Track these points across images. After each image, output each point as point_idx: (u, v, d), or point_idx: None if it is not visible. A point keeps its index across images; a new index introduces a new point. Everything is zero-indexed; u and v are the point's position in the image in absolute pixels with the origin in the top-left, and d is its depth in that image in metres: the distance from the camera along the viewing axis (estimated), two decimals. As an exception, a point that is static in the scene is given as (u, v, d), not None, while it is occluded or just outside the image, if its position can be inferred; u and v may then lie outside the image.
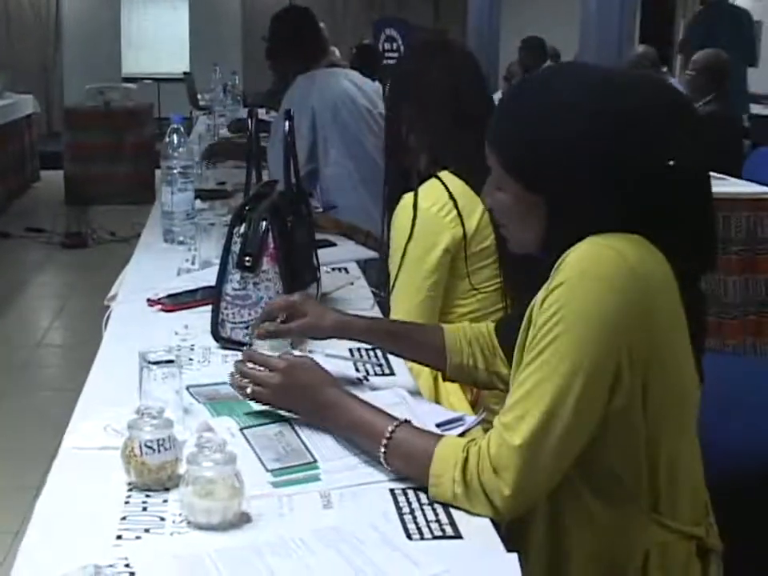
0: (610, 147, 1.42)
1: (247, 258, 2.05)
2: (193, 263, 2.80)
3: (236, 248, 2.07)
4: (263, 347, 1.76)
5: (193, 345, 2.13)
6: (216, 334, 2.12)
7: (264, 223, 2.07)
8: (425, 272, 2.24)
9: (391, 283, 2.31)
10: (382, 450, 1.49)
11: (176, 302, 2.39)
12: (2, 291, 6.21)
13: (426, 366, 1.96)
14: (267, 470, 1.52)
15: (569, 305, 1.38)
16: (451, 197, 2.23)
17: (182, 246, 2.98)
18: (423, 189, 2.27)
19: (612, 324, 1.38)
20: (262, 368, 1.66)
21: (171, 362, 1.68)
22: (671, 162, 1.43)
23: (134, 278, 2.71)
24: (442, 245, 2.22)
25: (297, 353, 1.77)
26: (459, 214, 2.23)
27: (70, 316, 5.89)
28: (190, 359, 2.04)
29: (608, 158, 1.42)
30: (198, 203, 3.20)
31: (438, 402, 2.12)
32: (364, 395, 1.77)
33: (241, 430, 1.62)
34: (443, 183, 2.26)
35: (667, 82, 1.58)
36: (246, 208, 2.09)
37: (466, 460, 1.42)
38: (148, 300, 2.41)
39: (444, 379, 1.97)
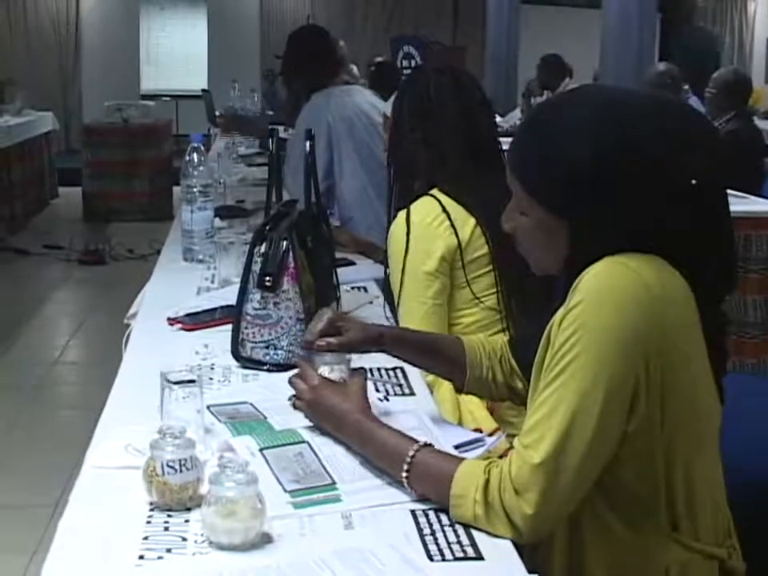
0: (632, 169, 1.43)
1: (267, 278, 2.07)
2: (212, 282, 2.82)
3: (256, 267, 2.08)
4: (323, 361, 1.79)
5: (213, 364, 2.14)
6: (236, 354, 2.13)
7: (284, 243, 2.09)
8: (425, 282, 2.28)
9: (396, 301, 2.34)
10: (404, 472, 1.50)
11: (196, 320, 2.41)
12: (20, 308, 6.25)
13: (445, 378, 1.98)
14: (285, 491, 1.53)
15: (586, 324, 1.40)
16: (444, 210, 2.29)
17: (201, 265, 3.00)
18: (415, 205, 2.33)
19: (629, 342, 1.39)
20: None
21: (193, 381, 1.69)
22: (693, 182, 1.44)
23: (153, 297, 2.73)
24: (438, 252, 2.27)
25: (350, 364, 1.82)
26: (452, 225, 2.28)
27: (87, 333, 5.92)
28: (210, 378, 2.05)
29: (631, 180, 1.43)
30: (218, 222, 3.22)
31: (459, 412, 2.14)
32: (383, 418, 1.79)
33: (260, 450, 1.63)
34: (435, 198, 2.31)
35: (685, 102, 1.60)
36: (267, 228, 2.11)
37: (487, 481, 1.43)
38: (168, 319, 2.42)
39: (458, 392, 1.99)
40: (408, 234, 2.28)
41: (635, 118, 1.45)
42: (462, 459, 1.50)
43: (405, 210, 2.31)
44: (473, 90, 2.42)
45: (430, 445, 1.54)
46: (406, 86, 2.47)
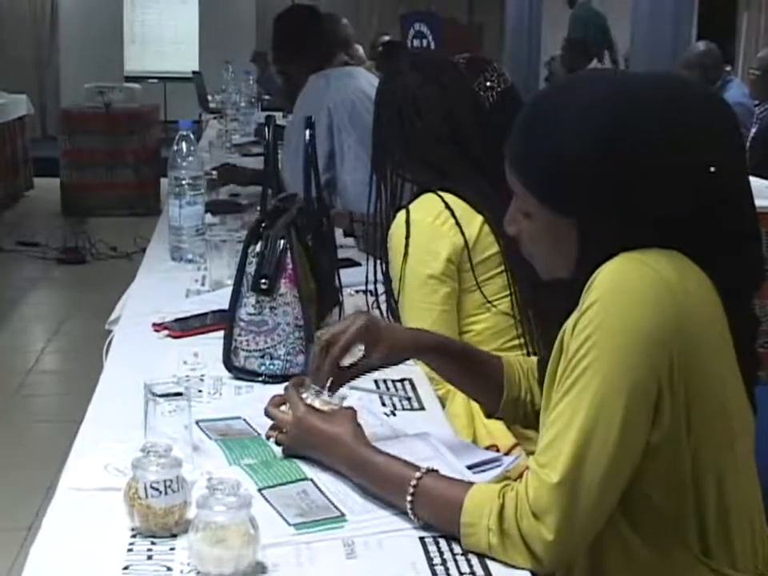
0: (642, 162, 1.44)
1: (263, 281, 2.07)
2: (203, 284, 2.83)
3: (251, 269, 2.09)
4: (312, 394, 1.73)
5: (203, 375, 2.15)
6: (228, 363, 2.14)
7: (282, 242, 2.09)
8: (431, 286, 2.27)
9: (400, 308, 2.33)
10: (409, 500, 1.51)
11: (184, 327, 2.41)
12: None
13: (478, 400, 1.95)
14: (289, 525, 1.53)
15: (602, 327, 1.41)
16: (447, 207, 2.28)
17: (190, 265, 3.01)
18: (416, 203, 2.33)
19: (650, 344, 1.40)
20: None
21: (180, 394, 1.69)
22: (712, 169, 1.44)
23: (138, 300, 2.74)
24: (444, 254, 2.26)
25: (343, 402, 1.76)
26: (457, 223, 2.27)
27: (66, 339, 5.93)
28: (200, 391, 2.06)
29: (640, 173, 1.44)
30: (209, 217, 3.24)
31: (473, 428, 2.14)
32: (389, 441, 1.79)
33: (259, 490, 1.61)
34: (437, 194, 2.30)
35: (700, 84, 1.59)
36: (263, 225, 2.11)
37: (502, 507, 1.43)
38: (153, 324, 2.43)
39: (488, 417, 1.95)
40: (408, 234, 2.27)
41: (646, 107, 1.45)
42: (471, 484, 1.50)
43: (404, 209, 2.31)
44: (458, 92, 2.38)
45: (435, 470, 1.54)
46: (383, 90, 2.46)
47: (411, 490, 1.51)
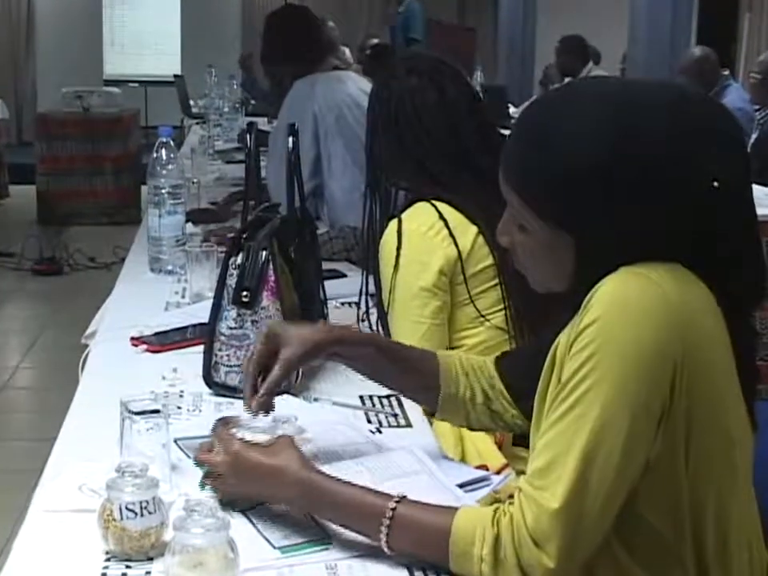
0: (643, 174, 1.44)
1: (244, 293, 2.08)
2: (183, 296, 2.83)
3: (232, 281, 2.09)
4: (244, 430, 1.70)
5: (182, 391, 2.15)
6: (208, 379, 2.14)
7: (264, 253, 2.10)
8: (422, 299, 2.27)
9: (389, 320, 2.34)
10: (384, 531, 1.48)
11: (163, 341, 2.42)
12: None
13: (413, 398, 1.94)
14: (275, 548, 1.53)
15: (604, 347, 1.40)
16: (441, 217, 2.28)
17: (170, 277, 3.01)
18: (408, 212, 2.32)
19: (654, 363, 1.40)
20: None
21: (157, 411, 1.69)
22: (715, 184, 1.45)
23: (115, 313, 2.74)
24: (436, 266, 2.26)
25: (279, 432, 1.74)
26: (451, 234, 2.27)
27: (41, 354, 5.91)
28: (179, 407, 2.06)
29: (642, 187, 1.44)
30: (190, 227, 3.23)
31: (462, 446, 2.14)
32: (371, 456, 1.80)
33: (242, 511, 1.61)
34: (431, 204, 2.30)
35: (700, 93, 1.59)
36: (244, 236, 2.12)
37: (497, 537, 1.42)
38: (131, 339, 2.43)
39: (431, 416, 1.94)
40: (399, 245, 2.27)
41: (647, 116, 1.45)
42: (453, 509, 1.48)
43: (396, 219, 2.31)
44: (457, 95, 2.39)
45: (405, 497, 1.51)
46: (377, 94, 2.44)
47: (386, 521, 1.48)
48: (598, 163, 1.43)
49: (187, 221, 3.19)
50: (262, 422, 1.70)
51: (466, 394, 1.86)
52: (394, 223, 2.30)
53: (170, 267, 3.04)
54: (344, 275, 3.01)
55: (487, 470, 1.94)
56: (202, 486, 1.63)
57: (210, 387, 2.14)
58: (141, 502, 1.48)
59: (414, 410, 2.05)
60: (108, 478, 1.50)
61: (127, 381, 2.17)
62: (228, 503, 1.60)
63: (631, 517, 1.47)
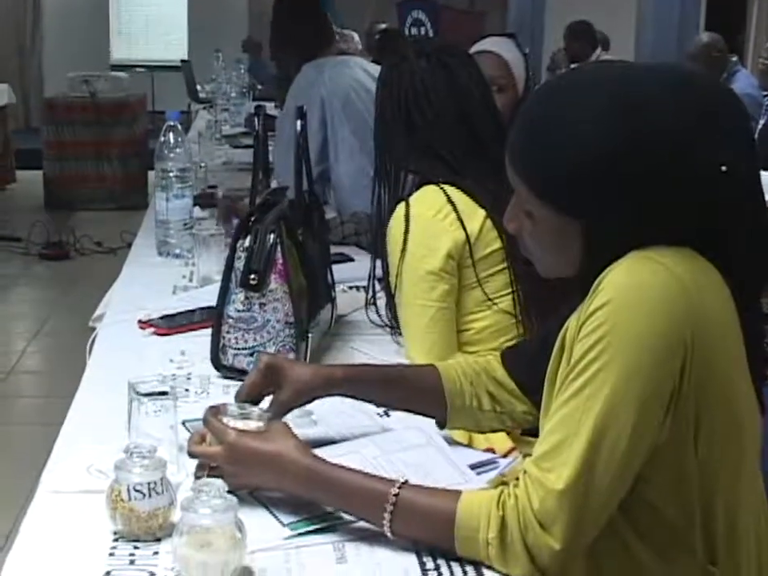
0: (651, 159, 1.43)
1: (252, 276, 2.08)
2: (190, 280, 2.84)
3: (240, 264, 2.10)
4: (235, 418, 1.66)
5: (190, 373, 2.16)
6: (216, 362, 2.15)
7: (272, 236, 2.10)
8: (429, 282, 2.26)
9: (396, 304, 2.33)
10: (387, 516, 1.48)
11: (171, 324, 2.42)
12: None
13: (424, 415, 1.91)
14: (284, 525, 1.54)
15: (614, 330, 1.40)
16: (449, 200, 2.27)
17: (178, 260, 3.03)
18: (416, 196, 2.31)
19: (664, 346, 1.40)
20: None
21: (165, 393, 1.70)
22: (723, 168, 1.44)
23: (123, 296, 2.74)
24: (444, 249, 2.25)
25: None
26: (459, 217, 2.26)
27: (48, 338, 5.92)
28: (187, 390, 2.07)
29: (649, 172, 1.44)
30: (197, 211, 3.24)
31: (468, 438, 2.13)
32: (381, 436, 1.81)
33: (250, 492, 1.61)
34: (438, 187, 2.30)
35: (708, 76, 1.58)
36: (252, 219, 2.12)
37: (503, 519, 1.42)
38: (139, 322, 2.44)
39: (441, 428, 1.90)
40: (407, 229, 2.27)
41: (652, 100, 1.44)
42: (456, 492, 1.48)
43: (404, 202, 2.30)
44: (467, 78, 2.37)
45: (407, 481, 1.51)
46: (386, 78, 2.42)
47: (389, 507, 1.47)
48: (603, 149, 1.43)
49: (195, 204, 3.19)
50: (254, 409, 1.68)
51: (473, 402, 1.85)
52: (401, 207, 2.29)
53: (177, 251, 3.05)
54: (352, 259, 3.01)
55: (494, 452, 1.95)
56: (197, 478, 1.59)
57: (217, 370, 2.15)
58: (149, 483, 1.48)
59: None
60: (116, 459, 1.51)
61: (135, 364, 2.18)
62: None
63: (640, 502, 1.47)
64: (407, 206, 2.29)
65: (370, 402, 1.87)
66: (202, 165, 4.06)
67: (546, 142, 1.47)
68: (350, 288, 2.75)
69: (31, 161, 9.55)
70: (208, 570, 1.38)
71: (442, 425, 1.88)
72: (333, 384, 1.79)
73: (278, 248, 2.10)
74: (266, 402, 1.77)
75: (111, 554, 1.46)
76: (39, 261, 7.35)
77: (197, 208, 3.25)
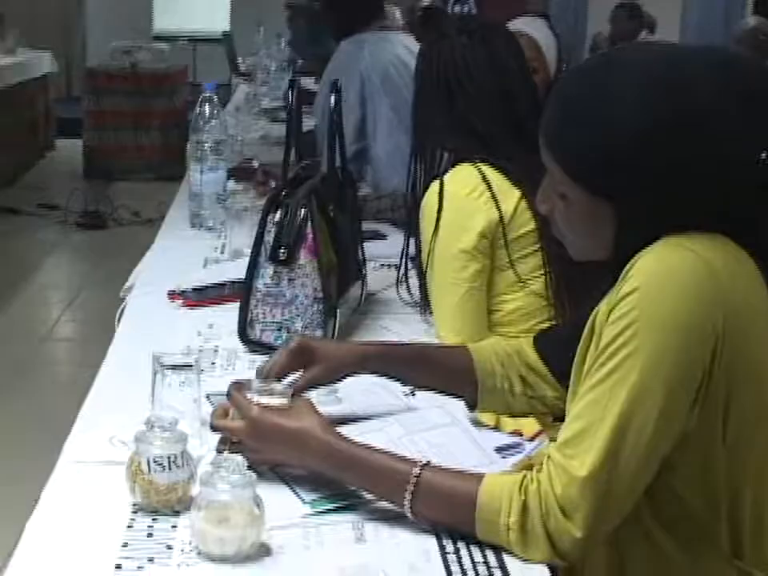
0: (689, 143, 1.41)
1: (282, 250, 2.08)
2: (222, 253, 2.84)
3: (269, 238, 2.09)
4: (259, 393, 1.64)
5: (217, 347, 2.16)
6: (243, 335, 2.14)
7: (303, 211, 2.09)
8: (461, 261, 2.24)
9: (428, 282, 2.32)
10: (408, 497, 1.46)
11: (201, 296, 2.42)
12: (8, 276, 6.25)
13: (454, 395, 1.91)
14: (304, 502, 1.53)
15: (643, 315, 1.38)
16: (484, 179, 2.25)
17: (210, 233, 3.02)
18: (451, 174, 2.29)
19: (694, 332, 1.38)
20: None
21: (189, 366, 1.69)
22: (763, 155, 1.41)
23: (154, 268, 2.75)
24: (477, 228, 2.23)
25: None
26: (494, 197, 2.24)
27: (83, 307, 5.94)
28: (213, 363, 2.06)
29: (685, 156, 1.42)
30: (231, 184, 3.23)
31: (496, 420, 2.12)
32: (406, 415, 1.80)
33: (271, 468, 1.61)
34: (474, 166, 2.27)
35: (753, 59, 1.55)
36: (283, 193, 2.11)
37: (524, 505, 1.41)
38: (169, 293, 2.43)
39: (471, 410, 1.90)
40: (441, 207, 2.25)
41: (694, 81, 1.42)
42: (481, 476, 1.47)
43: (438, 180, 2.28)
44: (508, 56, 2.35)
45: (429, 463, 1.50)
46: (427, 53, 2.40)
47: (410, 487, 1.46)
48: (641, 130, 1.41)
49: (229, 177, 3.19)
50: (279, 386, 1.67)
51: (504, 385, 1.84)
52: (435, 185, 2.27)
53: (210, 223, 3.04)
54: (384, 236, 2.99)
55: (522, 435, 1.93)
56: (219, 452, 1.58)
57: (245, 344, 2.14)
58: (169, 456, 1.48)
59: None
60: (137, 431, 1.50)
61: (162, 335, 2.18)
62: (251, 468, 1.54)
63: (665, 492, 1.46)
64: (442, 183, 2.27)
65: (400, 380, 1.87)
66: (239, 138, 4.05)
67: (581, 122, 1.46)
68: (382, 266, 2.73)
69: (71, 129, 9.57)
70: (225, 546, 1.37)
71: (471, 406, 1.87)
72: (364, 361, 1.80)
73: (309, 223, 2.09)
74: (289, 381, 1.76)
75: (129, 526, 1.46)
76: (76, 230, 7.35)
77: (231, 181, 3.23)
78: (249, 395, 1.63)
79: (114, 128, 8.97)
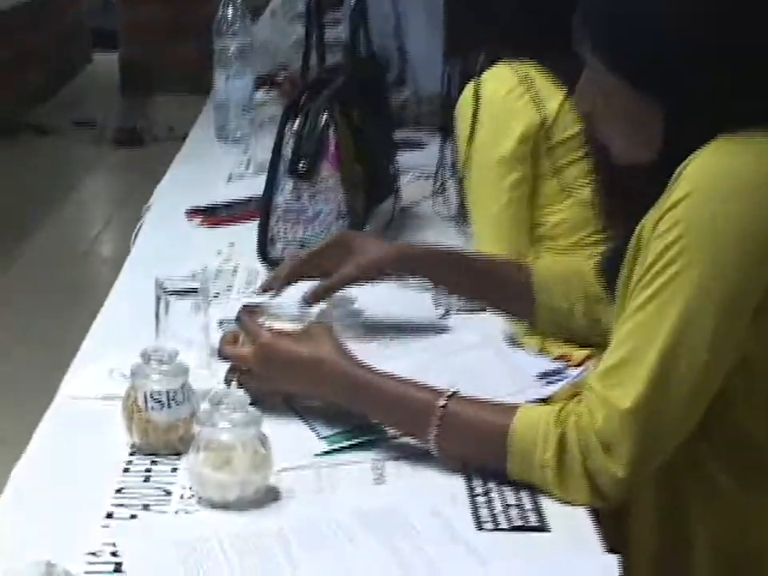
0: (738, 31, 1.34)
1: (301, 163, 2.00)
2: (247, 168, 2.77)
3: (288, 149, 2.01)
4: (271, 318, 1.58)
5: (236, 266, 2.10)
6: (264, 254, 2.08)
7: (324, 117, 2.01)
8: (500, 169, 2.14)
9: (466, 194, 2.23)
10: (433, 431, 1.38)
11: (221, 214, 2.37)
12: (43, 195, 6.23)
13: (505, 311, 1.83)
14: (320, 437, 1.46)
15: (695, 226, 1.30)
16: (524, 79, 2.15)
17: (236, 147, 2.94)
18: (488, 74, 2.19)
19: (753, 247, 1.30)
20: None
21: (195, 290, 1.60)
22: None
23: (175, 183, 2.70)
24: (517, 132, 2.13)
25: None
26: (535, 97, 2.14)
27: (120, 226, 5.89)
28: (229, 287, 2.00)
29: (741, 41, 1.34)
30: (260, 94, 3.16)
31: (541, 343, 2.02)
32: (436, 337, 1.74)
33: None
34: (512, 65, 2.17)
35: None
36: (303, 97, 2.03)
37: (561, 440, 1.32)
38: (187, 212, 2.38)
39: (528, 325, 1.83)
40: (477, 110, 2.14)
41: None
42: (514, 408, 1.38)
43: (474, 82, 2.17)
44: None
45: (456, 392, 1.41)
46: None
47: (436, 420, 1.38)
48: (689, 22, 1.34)
49: (258, 87, 3.12)
50: (292, 309, 1.60)
51: (563, 304, 1.75)
52: (471, 86, 2.17)
53: (237, 136, 2.95)
54: (422, 144, 2.87)
55: (568, 361, 1.83)
56: (227, 382, 1.51)
57: (265, 263, 2.07)
58: (168, 392, 1.40)
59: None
60: (133, 364, 1.42)
61: (179, 256, 2.12)
62: (256, 399, 1.42)
63: (728, 427, 1.39)
64: (477, 85, 2.16)
65: (444, 286, 1.80)
66: (271, 44, 3.95)
67: (624, 15, 1.39)
68: (419, 177, 2.62)
69: (108, 41, 9.46)
70: (226, 491, 1.29)
71: (527, 326, 1.81)
72: (406, 260, 1.74)
73: (331, 131, 2.01)
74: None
75: (126, 470, 1.38)
76: (113, 147, 7.32)
77: (259, 91, 3.15)
78: (261, 320, 1.55)
79: (151, 39, 8.88)
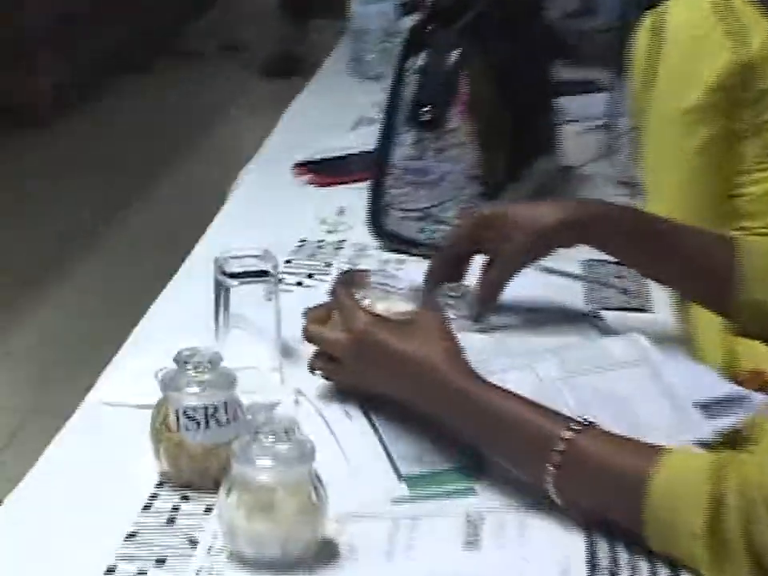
0: None
1: (425, 110, 1.91)
2: (380, 111, 2.64)
3: (408, 93, 1.95)
4: (377, 295, 1.53)
5: (342, 241, 2.02)
6: (376, 225, 2.01)
7: (455, 53, 1.92)
8: (687, 125, 2.02)
9: (640, 155, 2.12)
10: (551, 466, 1.25)
11: (335, 170, 2.32)
12: (187, 129, 6.40)
13: (700, 301, 1.71)
14: (400, 477, 1.35)
15: None
16: (719, 7, 2.01)
17: (372, 84, 2.88)
18: (671, 2, 2.06)
19: None
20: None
21: (265, 273, 1.51)
22: None
23: (287, 129, 2.70)
24: (709, 78, 2.00)
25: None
26: (733, 33, 1.99)
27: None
28: (328, 266, 1.90)
29: None
30: (406, 21, 3.02)
31: (727, 343, 1.87)
32: (572, 349, 1.60)
33: (364, 412, 1.46)
34: None
35: None
36: (427, 28, 1.96)
37: (718, 500, 1.19)
38: (294, 165, 2.33)
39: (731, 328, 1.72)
40: (658, 49, 2.02)
41: None
42: (660, 451, 1.24)
43: (655, 10, 2.06)
44: None
45: (591, 424, 1.28)
46: None
47: (557, 456, 1.25)
48: None
49: (405, 13, 3.02)
50: (406, 287, 1.53)
51: None
52: (650, 19, 2.06)
53: (373, 71, 2.93)
54: (598, 89, 2.73)
55: (763, 379, 1.69)
56: (311, 370, 1.49)
57: (377, 237, 2.00)
58: (206, 408, 1.28)
59: (655, 287, 1.82)
60: (161, 371, 1.33)
61: (275, 224, 2.06)
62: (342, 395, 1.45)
63: None
64: (659, 16, 2.04)
65: (624, 263, 1.74)
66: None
67: None
68: (589, 129, 2.51)
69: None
70: (264, 545, 1.16)
71: (729, 322, 1.69)
72: (583, 227, 1.63)
73: (464, 71, 1.92)
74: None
75: (146, 507, 1.27)
76: (263, 76, 7.46)
77: (406, 18, 3.06)
78: (360, 295, 1.50)
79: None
